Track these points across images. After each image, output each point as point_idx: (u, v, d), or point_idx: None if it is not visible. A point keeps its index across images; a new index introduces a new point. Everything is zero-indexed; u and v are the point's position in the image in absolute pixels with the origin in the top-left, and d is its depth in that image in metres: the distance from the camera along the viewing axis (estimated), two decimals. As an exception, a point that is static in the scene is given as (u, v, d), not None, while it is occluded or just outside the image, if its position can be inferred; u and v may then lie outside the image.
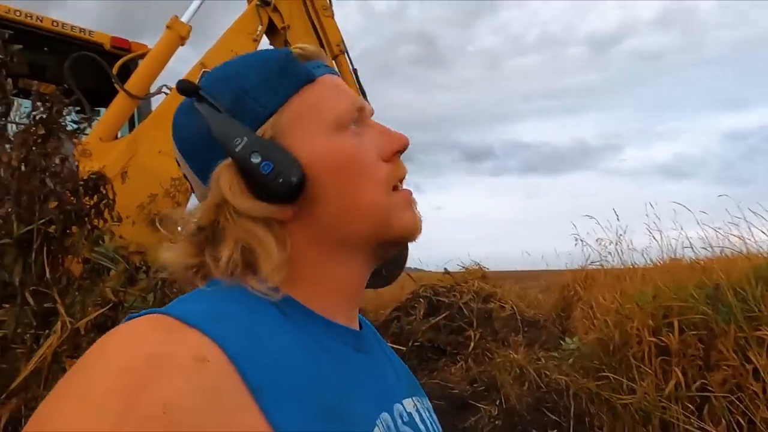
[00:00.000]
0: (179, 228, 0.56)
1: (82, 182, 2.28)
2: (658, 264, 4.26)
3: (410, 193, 0.60)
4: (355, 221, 0.55)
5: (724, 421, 2.74)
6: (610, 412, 3.11)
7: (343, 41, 4.12)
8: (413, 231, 0.59)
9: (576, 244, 5.27)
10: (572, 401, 3.23)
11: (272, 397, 0.42)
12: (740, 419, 2.73)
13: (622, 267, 4.58)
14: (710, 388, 2.84)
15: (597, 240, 4.90)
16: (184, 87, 0.55)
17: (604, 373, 3.22)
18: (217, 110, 0.53)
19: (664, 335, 3.06)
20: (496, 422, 3.12)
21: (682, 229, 3.98)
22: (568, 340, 3.90)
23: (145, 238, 3.06)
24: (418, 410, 0.60)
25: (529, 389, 3.38)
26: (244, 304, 0.50)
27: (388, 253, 0.61)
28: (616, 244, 4.27)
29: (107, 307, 1.65)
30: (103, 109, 4.09)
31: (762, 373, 2.68)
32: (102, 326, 1.65)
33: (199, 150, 0.55)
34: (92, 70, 3.46)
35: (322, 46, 4.01)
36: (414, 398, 0.61)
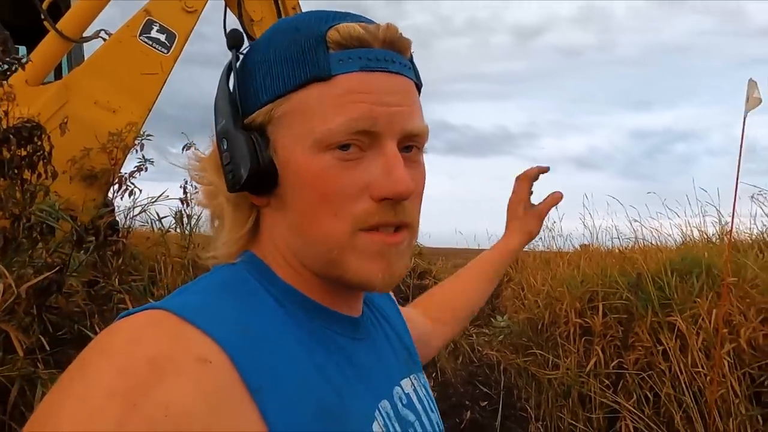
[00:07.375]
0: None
1: (12, 130, 2.05)
2: (579, 250, 4.57)
3: (389, 242, 0.50)
4: (308, 245, 0.51)
5: (634, 395, 3.04)
6: (536, 386, 3.34)
7: (299, 4, 3.94)
8: (370, 283, 0.50)
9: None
10: (502, 375, 3.43)
11: (271, 398, 0.42)
12: (648, 394, 3.04)
13: (549, 251, 4.87)
14: (625, 366, 3.13)
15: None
16: (231, 37, 0.54)
17: (531, 350, 3.44)
18: (227, 81, 0.53)
19: (588, 317, 3.32)
20: (432, 394, 3.25)
21: (612, 219, 4.26)
22: (498, 318, 4.11)
23: (77, 195, 2.82)
24: (415, 389, 0.61)
25: (463, 363, 3.55)
26: (244, 299, 0.49)
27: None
28: (550, 230, 4.52)
29: (54, 271, 1.51)
30: (22, 48, 3.66)
31: (670, 354, 2.99)
32: (46, 290, 1.51)
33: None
34: (10, 3, 3.08)
35: (277, 5, 3.81)
36: (411, 376, 0.62)
